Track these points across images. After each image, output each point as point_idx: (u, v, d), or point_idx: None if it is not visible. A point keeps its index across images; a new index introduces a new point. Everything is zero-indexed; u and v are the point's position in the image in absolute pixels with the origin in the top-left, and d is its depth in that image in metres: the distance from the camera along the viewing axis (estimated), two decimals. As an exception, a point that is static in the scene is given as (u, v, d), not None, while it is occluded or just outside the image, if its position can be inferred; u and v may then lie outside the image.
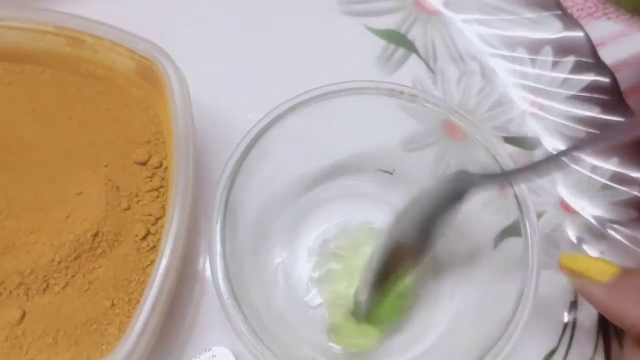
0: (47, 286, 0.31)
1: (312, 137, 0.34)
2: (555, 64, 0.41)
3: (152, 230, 0.33)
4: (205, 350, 0.32)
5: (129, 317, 0.31)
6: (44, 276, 0.31)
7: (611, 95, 0.40)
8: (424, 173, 0.37)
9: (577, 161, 0.39)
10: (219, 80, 0.39)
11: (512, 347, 0.29)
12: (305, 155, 0.35)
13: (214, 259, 0.30)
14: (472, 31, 0.43)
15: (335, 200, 0.38)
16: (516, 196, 0.31)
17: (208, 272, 0.32)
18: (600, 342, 0.36)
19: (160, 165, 0.35)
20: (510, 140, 0.40)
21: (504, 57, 0.42)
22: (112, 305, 0.31)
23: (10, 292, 0.31)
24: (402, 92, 0.34)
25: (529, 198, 0.31)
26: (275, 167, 0.34)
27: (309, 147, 0.34)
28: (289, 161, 0.35)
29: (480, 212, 0.34)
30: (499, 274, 0.32)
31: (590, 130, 0.39)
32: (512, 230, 0.32)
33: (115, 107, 0.36)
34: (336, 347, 0.34)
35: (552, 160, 0.29)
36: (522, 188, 0.32)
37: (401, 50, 0.43)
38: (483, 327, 0.31)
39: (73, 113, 0.36)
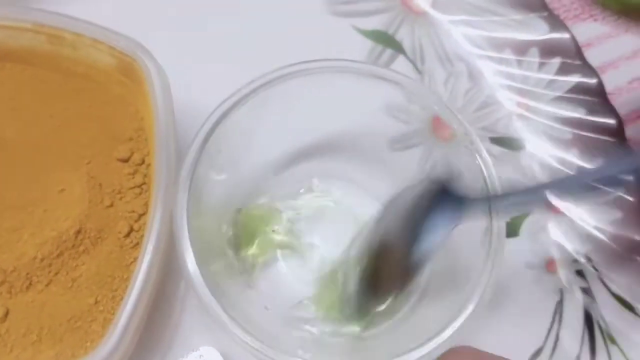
0: (30, 284, 0.33)
1: (284, 119, 0.36)
2: (541, 65, 0.44)
3: (136, 227, 0.35)
4: (193, 350, 0.34)
5: (113, 314, 0.32)
6: (27, 274, 0.32)
7: (597, 97, 0.42)
8: (409, 174, 0.39)
9: (562, 162, 0.41)
10: (201, 77, 0.40)
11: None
12: (274, 137, 0.37)
13: (181, 246, 0.31)
14: (459, 32, 0.45)
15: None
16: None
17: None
18: (586, 341, 0.38)
19: (143, 162, 0.36)
20: (497, 140, 0.42)
21: (490, 58, 0.44)
22: (96, 302, 0.33)
23: (-6, 290, 0.32)
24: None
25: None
26: (243, 149, 0.36)
27: (279, 129, 0.37)
28: (258, 143, 0.37)
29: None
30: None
31: (576, 131, 0.42)
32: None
33: (97, 105, 0.38)
34: (316, 332, 0.36)
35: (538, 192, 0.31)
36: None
37: (389, 51, 0.45)
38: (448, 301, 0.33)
39: (54, 111, 0.37)
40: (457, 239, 0.36)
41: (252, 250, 0.37)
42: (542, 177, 0.41)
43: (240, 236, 0.37)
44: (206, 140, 0.33)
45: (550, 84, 0.43)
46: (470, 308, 0.32)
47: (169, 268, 0.36)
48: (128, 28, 0.36)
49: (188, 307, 0.37)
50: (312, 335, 0.36)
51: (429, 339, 0.31)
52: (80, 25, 0.36)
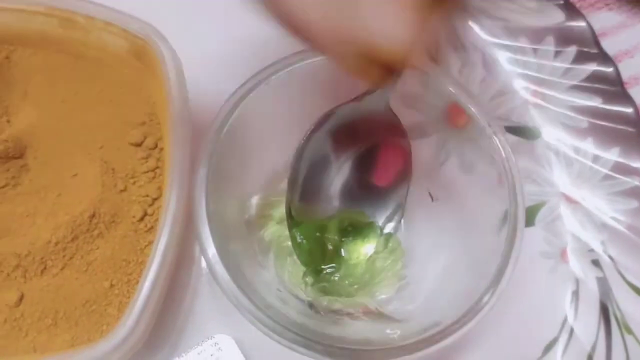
0: (45, 268, 0.33)
1: (301, 104, 0.37)
2: (557, 54, 0.44)
3: (149, 211, 0.35)
4: (208, 338, 0.35)
5: (129, 297, 0.33)
6: (42, 258, 0.33)
7: (613, 86, 0.43)
8: (424, 162, 0.39)
9: (578, 151, 0.42)
10: (214, 60, 0.41)
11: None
12: (292, 122, 0.37)
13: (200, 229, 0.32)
14: (474, 21, 0.46)
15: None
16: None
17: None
18: (602, 332, 0.38)
19: (156, 146, 0.37)
20: (512, 129, 0.43)
21: (506, 46, 0.45)
22: (111, 286, 0.33)
23: (8, 275, 0.33)
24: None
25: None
26: (262, 134, 0.37)
27: (296, 113, 0.37)
28: (276, 127, 0.37)
29: (484, 199, 0.37)
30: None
31: (592, 120, 0.42)
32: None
33: (109, 89, 0.38)
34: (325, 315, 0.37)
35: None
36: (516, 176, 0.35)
37: (403, 40, 0.45)
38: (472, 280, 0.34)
39: (66, 95, 0.38)
40: (475, 226, 0.37)
41: (268, 233, 0.38)
42: (557, 166, 0.42)
43: (257, 219, 0.38)
44: (224, 123, 0.34)
45: (566, 72, 0.44)
46: (486, 298, 0.32)
47: (183, 255, 0.36)
48: (141, 11, 0.37)
49: (202, 294, 0.38)
50: (325, 319, 0.37)
51: (444, 327, 0.32)
52: (92, 8, 0.37)
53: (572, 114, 0.43)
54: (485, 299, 0.32)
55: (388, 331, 0.35)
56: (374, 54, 0.27)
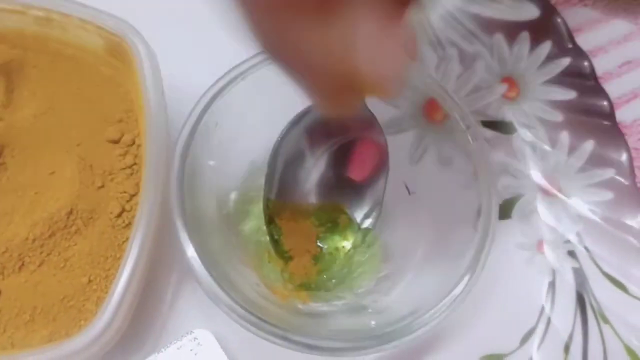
0: (23, 264, 0.34)
1: (277, 99, 0.36)
2: (532, 49, 0.45)
3: (127, 207, 0.35)
4: (187, 333, 0.35)
5: (107, 292, 0.33)
6: (19, 255, 0.33)
7: (588, 80, 0.43)
8: (401, 157, 0.40)
9: (554, 145, 0.43)
10: (191, 57, 0.41)
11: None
12: (269, 116, 0.37)
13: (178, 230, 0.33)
14: (450, 17, 0.46)
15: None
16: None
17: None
18: (579, 322, 0.39)
19: (133, 142, 0.37)
20: (488, 124, 0.43)
21: (482, 42, 0.46)
22: (89, 281, 0.34)
23: (-15, 272, 0.33)
24: None
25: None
26: (238, 129, 0.37)
27: (273, 108, 0.37)
28: (253, 123, 0.38)
29: (461, 193, 0.37)
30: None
31: (567, 114, 0.43)
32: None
33: (86, 86, 0.39)
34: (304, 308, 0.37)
35: None
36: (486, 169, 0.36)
37: (379, 36, 0.46)
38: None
39: (43, 93, 0.38)
40: (452, 219, 0.37)
41: (247, 228, 0.38)
42: (534, 159, 0.43)
43: (235, 214, 0.38)
44: (200, 119, 0.34)
45: (541, 67, 0.44)
46: (460, 287, 0.33)
47: (162, 250, 0.37)
48: (117, 8, 0.37)
49: (182, 289, 0.38)
50: (303, 311, 0.37)
51: (421, 316, 0.32)
52: (68, 6, 0.37)
53: (548, 108, 0.43)
54: (460, 288, 0.33)
55: (366, 321, 0.35)
56: (360, 81, 0.25)
